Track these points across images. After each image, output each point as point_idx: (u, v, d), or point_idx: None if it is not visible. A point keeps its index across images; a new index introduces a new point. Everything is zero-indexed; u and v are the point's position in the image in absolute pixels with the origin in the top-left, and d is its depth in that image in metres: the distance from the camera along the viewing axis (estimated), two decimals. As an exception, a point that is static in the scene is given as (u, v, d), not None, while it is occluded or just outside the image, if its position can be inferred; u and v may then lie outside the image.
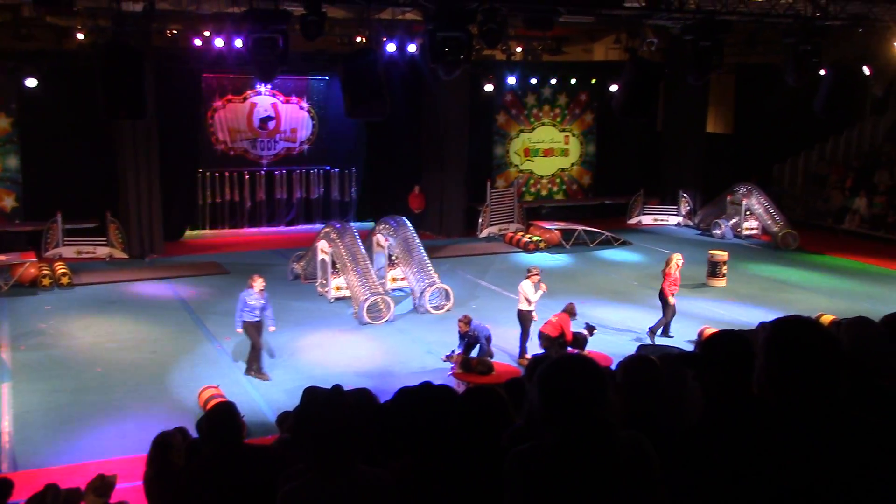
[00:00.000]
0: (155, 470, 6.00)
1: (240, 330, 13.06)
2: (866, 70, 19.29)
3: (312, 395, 3.90)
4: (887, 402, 2.72)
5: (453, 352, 12.86)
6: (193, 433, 6.73)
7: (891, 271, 20.50)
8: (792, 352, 2.52)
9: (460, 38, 10.20)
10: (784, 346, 2.54)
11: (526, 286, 13.96)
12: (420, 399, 3.83)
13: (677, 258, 15.15)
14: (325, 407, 3.45)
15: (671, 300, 15.01)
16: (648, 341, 14.62)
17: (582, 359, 2.96)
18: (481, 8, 10.46)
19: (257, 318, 12.94)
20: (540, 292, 13.98)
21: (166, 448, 6.04)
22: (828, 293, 17.94)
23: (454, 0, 10.08)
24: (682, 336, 15.09)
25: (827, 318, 15.40)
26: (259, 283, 12.95)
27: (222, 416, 5.17)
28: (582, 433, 2.74)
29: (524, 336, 13.96)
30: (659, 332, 15.06)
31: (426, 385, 4.19)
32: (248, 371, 13.05)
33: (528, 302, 13.92)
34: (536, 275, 14.08)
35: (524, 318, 13.96)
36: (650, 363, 3.11)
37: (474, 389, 3.81)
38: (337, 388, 3.87)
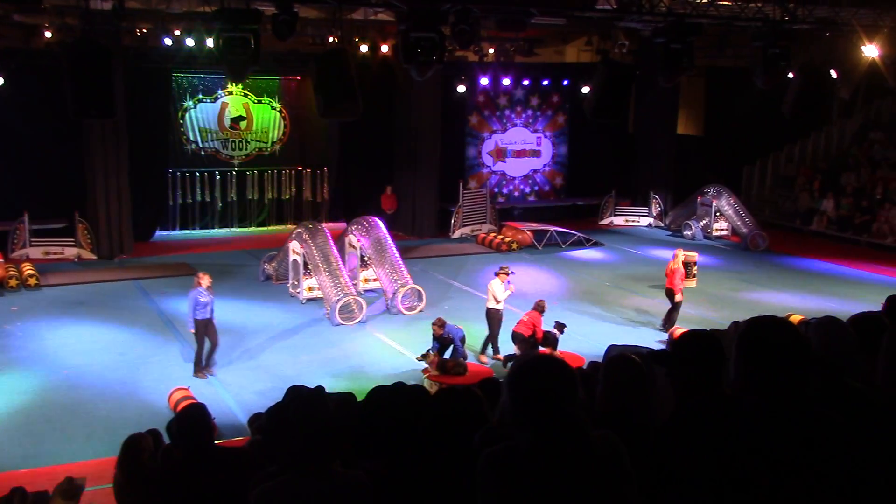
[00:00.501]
0: (125, 473, 5.93)
1: (192, 330, 12.95)
2: (833, 73, 19.56)
3: (296, 394, 3.87)
4: (854, 400, 2.76)
5: (428, 351, 12.85)
6: (165, 437, 6.69)
7: (857, 272, 20.78)
8: (764, 351, 2.55)
9: (433, 39, 10.19)
10: (756, 345, 2.56)
11: (495, 285, 13.97)
12: (394, 399, 3.81)
13: (684, 253, 15.67)
14: (309, 406, 3.43)
15: (678, 297, 15.32)
16: (618, 343, 14.63)
17: (550, 359, 2.96)
18: (454, 9, 10.47)
19: (208, 316, 12.89)
20: (508, 292, 13.99)
21: (137, 451, 5.97)
22: (796, 293, 18.13)
23: (427, 1, 10.09)
24: (653, 336, 15.20)
25: (796, 318, 15.63)
26: (206, 279, 12.92)
27: (193, 418, 5.12)
28: (553, 433, 2.74)
29: (492, 335, 13.95)
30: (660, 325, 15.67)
31: (399, 385, 4.17)
32: (196, 372, 12.93)
33: (496, 301, 13.91)
34: (506, 273, 14.08)
35: (492, 317, 13.97)
36: (634, 363, 3.12)
37: (448, 390, 3.80)
38: (320, 388, 3.85)
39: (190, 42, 18.93)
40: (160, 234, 23.16)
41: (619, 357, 3.19)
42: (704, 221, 24.87)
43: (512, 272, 14.45)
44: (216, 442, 10.23)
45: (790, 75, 15.27)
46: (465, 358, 12.92)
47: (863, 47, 16.70)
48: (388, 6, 11.70)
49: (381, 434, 3.81)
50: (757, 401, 2.51)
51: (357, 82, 10.76)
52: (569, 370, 2.85)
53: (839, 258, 21.49)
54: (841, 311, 16.90)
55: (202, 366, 13.00)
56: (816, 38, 15.26)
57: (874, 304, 17.34)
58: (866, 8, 14.56)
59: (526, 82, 26.40)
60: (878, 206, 24.34)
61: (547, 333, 13.14)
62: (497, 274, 14.14)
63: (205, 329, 12.92)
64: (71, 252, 20.39)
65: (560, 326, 13.23)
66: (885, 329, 3.88)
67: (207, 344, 13.02)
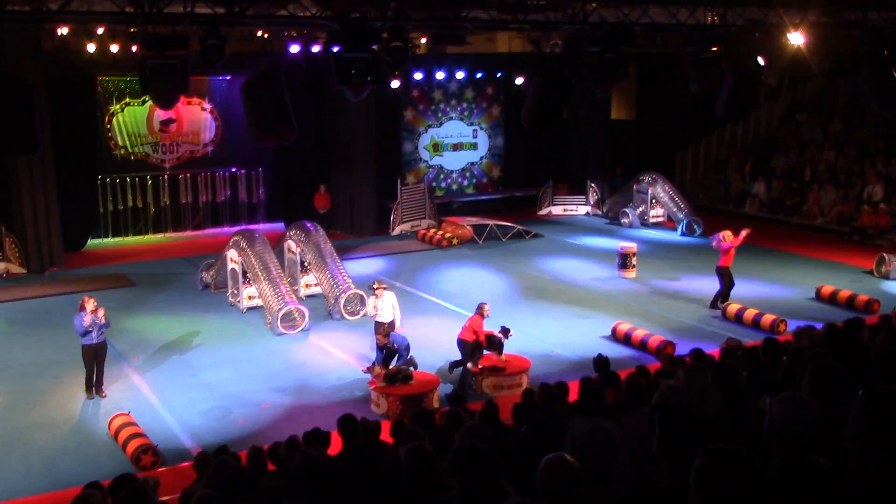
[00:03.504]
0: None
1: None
2: (761, 60, 19.92)
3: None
4: (820, 478, 2.75)
5: (374, 364, 12.74)
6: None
7: (789, 254, 21.26)
8: (725, 488, 2.54)
9: (366, 60, 10.01)
10: (717, 483, 2.56)
11: (371, 303, 13.96)
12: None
13: (726, 233, 16.24)
14: None
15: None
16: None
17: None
18: (386, 26, 10.29)
19: (94, 342, 12.34)
20: (376, 310, 13.79)
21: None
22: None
23: (358, 20, 9.89)
24: (596, 332, 15.33)
25: (733, 308, 15.92)
26: (91, 303, 12.38)
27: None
28: None
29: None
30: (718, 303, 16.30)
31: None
32: (87, 395, 12.49)
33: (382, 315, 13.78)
34: (378, 289, 13.89)
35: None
36: (570, 468, 3.05)
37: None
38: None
39: (114, 48, 18.37)
40: (92, 242, 22.55)
41: (552, 462, 3.08)
42: (641, 209, 25.16)
43: (385, 287, 14.12)
44: (160, 469, 10.08)
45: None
46: (415, 367, 12.82)
47: (789, 35, 17.10)
48: (320, 27, 11.48)
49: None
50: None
51: (290, 105, 10.53)
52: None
53: (772, 241, 21.91)
54: (775, 297, 17.32)
55: (92, 389, 12.51)
56: (747, 39, 15.44)
57: (807, 287, 17.76)
58: (793, 7, 14.81)
59: (460, 75, 26.30)
60: (808, 188, 24.93)
61: (492, 338, 13.12)
62: (373, 290, 13.92)
63: (94, 355, 12.40)
64: (-2, 267, 19.72)
65: (505, 332, 13.22)
66: (848, 383, 3.88)
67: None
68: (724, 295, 16.46)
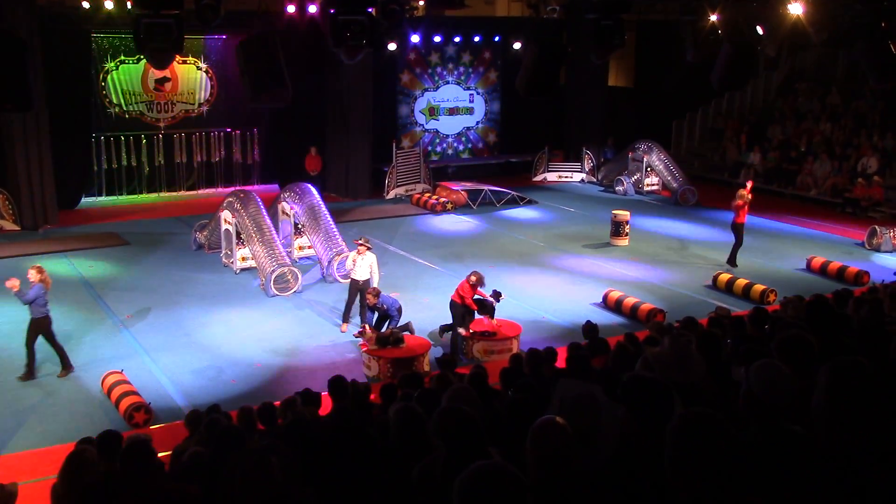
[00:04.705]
0: (65, 487, 5.78)
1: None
2: (759, 30, 19.82)
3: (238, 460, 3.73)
4: (796, 446, 2.82)
5: (364, 326, 12.82)
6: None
7: (782, 225, 21.34)
8: (699, 451, 2.59)
9: (362, 23, 9.94)
10: (691, 445, 2.61)
11: (352, 256, 13.97)
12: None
13: (742, 191, 17.18)
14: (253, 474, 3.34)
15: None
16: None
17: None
18: (383, -12, 10.25)
19: (40, 315, 11.72)
20: (354, 265, 13.80)
21: (80, 465, 5.80)
22: (725, 249, 18.48)
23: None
24: (588, 298, 15.42)
25: (724, 278, 16.04)
26: (33, 273, 11.72)
27: (140, 454, 4.88)
28: None
29: (347, 302, 13.88)
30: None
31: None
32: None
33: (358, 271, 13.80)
34: (362, 245, 13.87)
35: (351, 287, 13.87)
36: (561, 430, 3.12)
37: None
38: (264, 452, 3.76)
39: (109, 4, 18.21)
40: (86, 200, 22.52)
41: (543, 425, 3.15)
42: (636, 177, 25.17)
43: (368, 246, 14.02)
44: (151, 426, 10.20)
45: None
46: (411, 332, 12.90)
47: (788, 6, 17.01)
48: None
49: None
50: (691, 493, 2.57)
51: (285, 67, 10.48)
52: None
53: (765, 211, 21.96)
54: (767, 266, 17.43)
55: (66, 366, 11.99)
56: (745, 8, 15.34)
57: (799, 258, 17.86)
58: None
59: (457, 39, 26.15)
60: (803, 159, 24.94)
61: (483, 301, 13.18)
62: (357, 245, 13.95)
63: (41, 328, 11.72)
64: (-8, 224, 19.72)
65: (497, 295, 13.29)
66: (813, 353, 3.97)
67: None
68: (732, 253, 17.29)
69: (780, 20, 17.03)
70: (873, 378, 2.96)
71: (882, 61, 14.47)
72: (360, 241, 14.07)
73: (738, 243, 17.29)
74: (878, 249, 18.70)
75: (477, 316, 13.21)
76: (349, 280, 14.05)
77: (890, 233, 18.86)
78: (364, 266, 13.79)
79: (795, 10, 16.47)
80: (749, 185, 17.77)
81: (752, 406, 3.33)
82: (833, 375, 2.91)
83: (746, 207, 17.08)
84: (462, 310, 12.91)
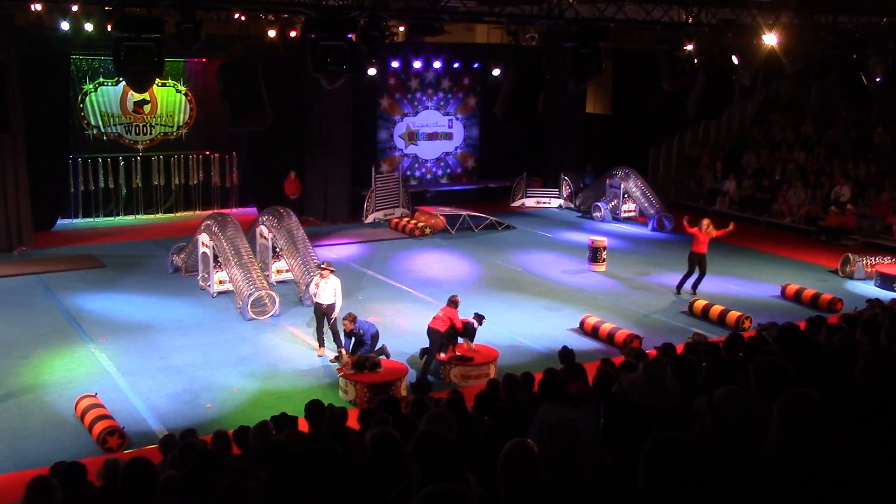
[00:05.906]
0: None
1: None
2: (735, 60, 20.16)
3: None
4: (767, 470, 2.87)
5: (341, 352, 12.79)
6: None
7: (757, 252, 21.56)
8: (670, 475, 2.64)
9: (342, 48, 10.02)
10: (663, 470, 2.66)
11: (314, 281, 14.03)
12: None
13: (706, 222, 17.13)
14: None
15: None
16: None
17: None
18: (363, 15, 10.30)
19: None
20: (318, 289, 13.84)
21: (48, 493, 5.70)
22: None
23: (335, 8, 9.89)
24: (565, 324, 15.48)
25: (700, 305, 16.17)
26: None
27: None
28: None
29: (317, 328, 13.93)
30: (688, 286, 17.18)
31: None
32: None
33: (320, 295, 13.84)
34: (326, 270, 13.96)
35: (317, 311, 13.92)
36: (529, 452, 3.15)
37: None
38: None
39: (89, 27, 18.21)
40: (62, 222, 22.37)
41: (513, 448, 3.16)
42: (613, 203, 25.36)
43: (332, 270, 14.11)
44: (126, 451, 10.09)
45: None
46: (387, 356, 12.90)
47: (763, 36, 17.34)
48: (297, 12, 11.47)
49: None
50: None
51: (265, 92, 10.52)
52: None
53: (741, 239, 22.15)
54: (739, 293, 17.57)
55: None
56: (721, 38, 15.62)
57: (774, 285, 18.04)
58: (766, 9, 15.00)
59: (437, 65, 26.33)
60: (777, 187, 25.26)
61: (466, 324, 13.21)
62: (321, 270, 14.05)
63: None
64: (-34, 245, 19.52)
65: (479, 318, 13.32)
66: (790, 379, 4.01)
67: None
68: (693, 283, 17.23)
69: (755, 50, 17.33)
70: (823, 408, 3.04)
71: (854, 91, 14.78)
72: (323, 266, 14.15)
73: (689, 272, 17.21)
74: (851, 277, 18.92)
75: (459, 340, 13.23)
76: (313, 304, 14.05)
77: (863, 261, 19.11)
78: (328, 290, 13.80)
79: (770, 40, 16.77)
80: (728, 229, 17.30)
81: (719, 432, 3.37)
82: (785, 406, 2.97)
83: (703, 239, 16.93)
84: (442, 336, 12.92)
